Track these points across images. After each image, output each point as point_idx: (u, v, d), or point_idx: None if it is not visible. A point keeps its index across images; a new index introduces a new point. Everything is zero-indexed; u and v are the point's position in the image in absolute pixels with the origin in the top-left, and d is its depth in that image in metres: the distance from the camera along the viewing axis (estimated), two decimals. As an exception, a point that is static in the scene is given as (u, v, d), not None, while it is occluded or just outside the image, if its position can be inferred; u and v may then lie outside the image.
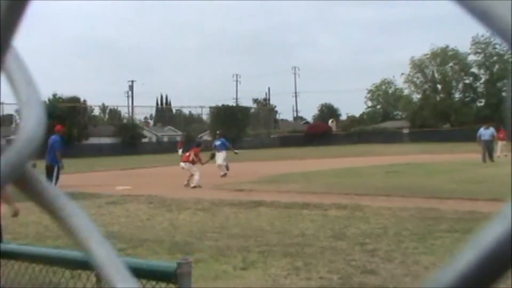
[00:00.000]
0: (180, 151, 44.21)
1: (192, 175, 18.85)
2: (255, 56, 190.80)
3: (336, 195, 14.35)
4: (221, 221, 10.65)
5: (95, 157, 49.66)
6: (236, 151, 25.35)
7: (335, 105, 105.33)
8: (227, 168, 22.38)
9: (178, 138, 68.26)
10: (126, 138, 62.62)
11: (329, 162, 29.84)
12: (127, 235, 9.36)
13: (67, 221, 0.50)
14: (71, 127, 52.06)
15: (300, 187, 16.77)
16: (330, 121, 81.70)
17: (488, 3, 0.31)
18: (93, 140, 60.16)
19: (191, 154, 19.44)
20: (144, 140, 67.61)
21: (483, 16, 0.30)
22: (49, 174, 15.22)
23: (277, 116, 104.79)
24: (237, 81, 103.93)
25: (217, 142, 23.46)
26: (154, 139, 75.57)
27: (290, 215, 11.20)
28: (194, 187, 18.00)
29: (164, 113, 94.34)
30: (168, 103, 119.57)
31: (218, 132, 27.79)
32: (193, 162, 19.15)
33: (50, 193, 0.50)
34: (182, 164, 19.46)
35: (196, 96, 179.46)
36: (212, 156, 22.05)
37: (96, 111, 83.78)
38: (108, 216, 11.73)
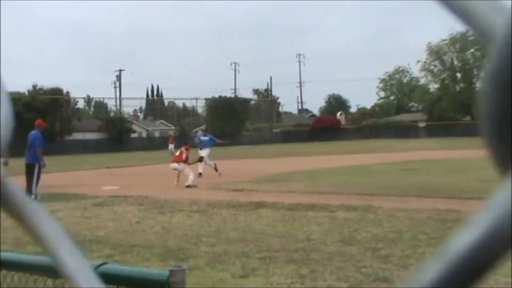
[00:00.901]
0: (171, 146, 44.18)
1: (182, 174, 18.87)
2: (256, 42, 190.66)
3: (345, 196, 14.37)
4: (218, 224, 10.67)
5: (79, 154, 49.72)
6: (223, 141, 25.11)
7: (344, 96, 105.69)
8: (200, 172, 21.27)
9: (171, 133, 68.33)
10: (113, 133, 62.70)
11: (337, 159, 29.85)
12: (115, 240, 9.37)
13: (35, 227, 0.50)
14: (53, 122, 52.12)
15: (305, 187, 16.79)
16: (338, 114, 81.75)
17: (470, 3, 0.32)
18: (77, 136, 60.27)
19: (183, 152, 19.34)
20: (133, 135, 67.69)
21: (465, 16, 0.31)
22: (30, 173, 15.22)
23: (280, 109, 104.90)
24: (235, 70, 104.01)
25: (204, 138, 22.92)
26: (144, 134, 75.61)
27: (294, 217, 11.21)
28: (189, 186, 18.01)
29: (155, 105, 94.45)
30: (159, 95, 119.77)
31: (204, 127, 27.43)
32: (185, 161, 19.10)
33: (17, 198, 0.50)
34: (174, 165, 19.26)
35: (191, 87, 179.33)
36: (201, 159, 21.82)
37: (81, 104, 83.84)
38: (94, 219, 11.74)
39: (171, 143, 45.74)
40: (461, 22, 0.31)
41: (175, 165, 19.23)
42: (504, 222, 0.29)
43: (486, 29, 0.30)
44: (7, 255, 2.40)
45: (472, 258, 0.30)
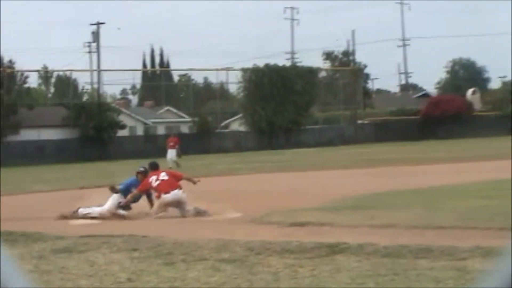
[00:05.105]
0: (171, 154, 42.43)
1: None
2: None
3: (483, 232, 14.23)
4: (267, 282, 10.68)
5: (31, 165, 50.22)
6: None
7: (479, 62, 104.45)
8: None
9: (185, 129, 68.41)
10: (88, 130, 63.19)
11: (468, 170, 29.58)
12: (92, 310, 9.47)
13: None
14: (-13, 111, 52.94)
15: (413, 218, 16.68)
16: (469, 92, 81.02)
17: None
18: (28, 134, 60.97)
19: (176, 173, 19.59)
20: (122, 132, 68.06)
21: None
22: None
23: (370, 85, 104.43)
24: (292, 19, 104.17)
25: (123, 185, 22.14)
26: (139, 130, 76.17)
27: (395, 269, 11.16)
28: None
29: (158, 82, 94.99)
30: (164, 65, 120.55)
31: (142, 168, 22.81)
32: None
33: None
34: (176, 194, 19.60)
35: (217, 51, 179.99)
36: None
37: (33, 81, 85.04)
38: (56, 275, 11.88)
39: (171, 148, 42.94)
40: None
41: (177, 194, 19.63)
42: None
43: None
44: None
45: None
